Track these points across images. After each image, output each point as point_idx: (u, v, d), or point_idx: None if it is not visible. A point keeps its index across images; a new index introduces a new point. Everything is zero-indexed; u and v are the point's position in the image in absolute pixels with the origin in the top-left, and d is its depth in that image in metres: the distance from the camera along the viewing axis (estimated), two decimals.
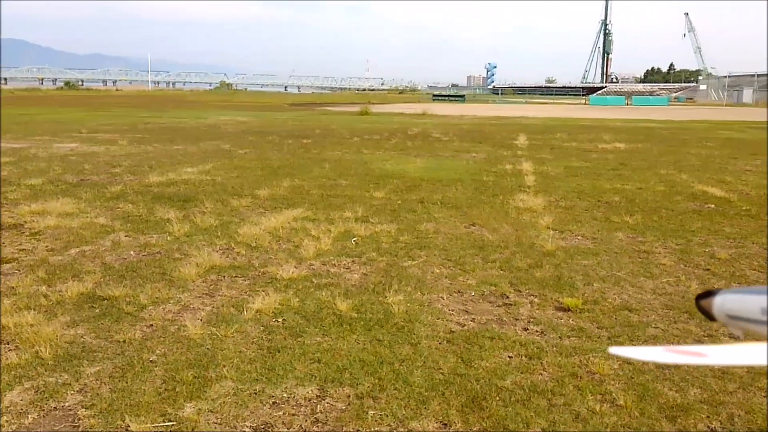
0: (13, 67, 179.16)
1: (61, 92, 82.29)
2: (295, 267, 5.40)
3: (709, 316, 0.49)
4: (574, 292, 4.85)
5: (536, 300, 4.73)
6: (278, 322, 4.17)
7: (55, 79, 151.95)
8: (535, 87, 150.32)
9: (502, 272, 5.41)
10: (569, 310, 4.48)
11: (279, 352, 3.69)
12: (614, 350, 0.40)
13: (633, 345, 3.91)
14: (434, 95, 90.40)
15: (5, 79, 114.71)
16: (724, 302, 0.47)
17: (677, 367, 3.56)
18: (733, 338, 1.10)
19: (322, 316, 4.28)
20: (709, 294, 0.48)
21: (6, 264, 5.44)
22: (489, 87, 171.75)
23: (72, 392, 3.22)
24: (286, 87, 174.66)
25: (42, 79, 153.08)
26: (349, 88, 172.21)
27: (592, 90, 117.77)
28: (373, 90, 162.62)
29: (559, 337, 4.01)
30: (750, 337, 0.44)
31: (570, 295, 4.75)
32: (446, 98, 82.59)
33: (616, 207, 8.42)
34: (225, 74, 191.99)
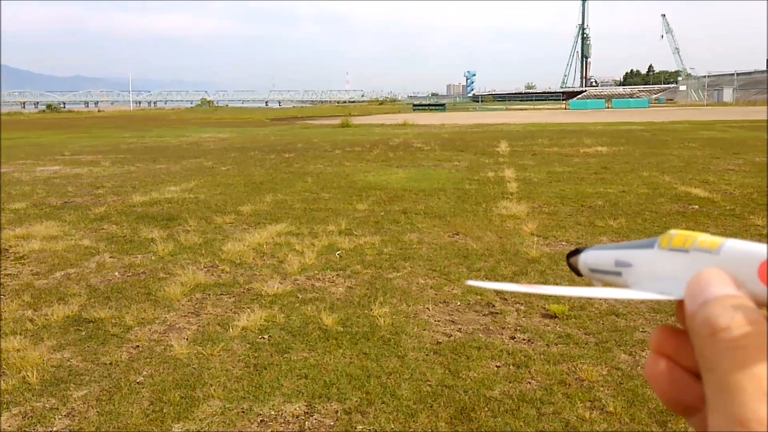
0: None
1: (43, 115, 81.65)
2: (279, 282, 5.43)
3: (577, 272, 0.57)
4: (559, 299, 4.92)
5: (522, 308, 4.78)
6: (264, 338, 4.20)
7: (37, 103, 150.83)
8: (515, 93, 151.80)
9: (487, 281, 5.46)
10: (556, 316, 4.54)
11: (266, 369, 3.72)
12: (471, 282, 0.47)
13: (620, 349, 3.98)
14: (414, 105, 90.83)
15: None
16: (586, 258, 0.55)
17: None
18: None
19: (308, 331, 4.32)
20: (577, 252, 0.57)
21: None
22: (469, 95, 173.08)
23: (59, 417, 3.23)
24: (266, 102, 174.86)
25: (24, 103, 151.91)
26: (330, 101, 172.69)
27: (572, 94, 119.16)
28: (353, 102, 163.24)
29: (547, 345, 4.06)
30: (607, 285, 0.53)
31: (556, 302, 4.81)
32: (427, 108, 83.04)
33: (600, 211, 8.53)
34: (206, 91, 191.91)
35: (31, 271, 6.02)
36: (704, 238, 0.43)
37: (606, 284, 0.53)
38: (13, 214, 8.92)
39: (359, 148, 19.90)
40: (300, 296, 5.11)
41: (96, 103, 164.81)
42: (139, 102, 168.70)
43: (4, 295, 5.25)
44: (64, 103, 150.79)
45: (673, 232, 0.46)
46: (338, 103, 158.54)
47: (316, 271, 5.82)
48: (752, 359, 0.34)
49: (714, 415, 0.34)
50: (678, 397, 0.40)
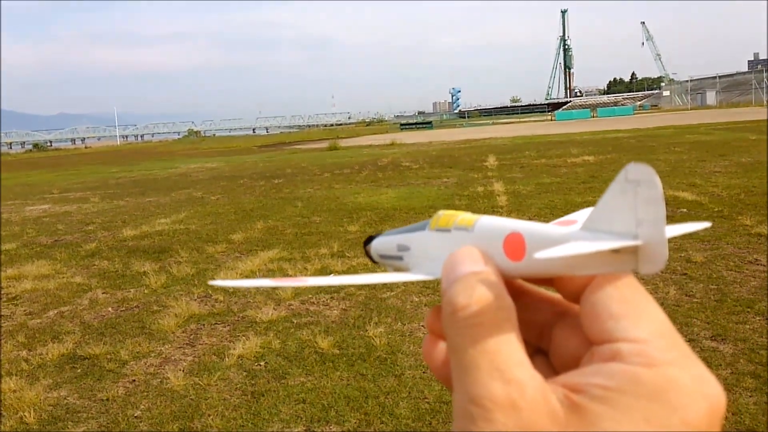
0: None
1: (29, 155, 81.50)
2: (274, 309, 5.44)
3: (372, 260, 0.58)
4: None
5: None
6: (261, 365, 4.21)
7: (23, 143, 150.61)
8: (500, 108, 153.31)
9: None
10: None
11: (263, 395, 3.72)
12: (214, 282, 0.48)
13: None
14: (402, 124, 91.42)
15: None
16: (376, 245, 0.56)
17: None
18: None
19: (304, 355, 4.33)
20: (370, 239, 0.58)
21: None
22: (455, 111, 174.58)
23: None
24: (254, 129, 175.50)
25: (10, 144, 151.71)
26: (317, 125, 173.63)
27: (557, 106, 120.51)
28: (340, 124, 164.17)
29: None
30: (395, 270, 0.54)
31: None
32: (414, 126, 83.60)
33: None
34: (192, 122, 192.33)
35: (25, 311, 6.00)
36: (464, 216, 0.45)
37: (395, 269, 0.54)
38: (4, 255, 8.88)
39: (348, 170, 20.01)
40: (295, 321, 5.12)
41: (83, 139, 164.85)
42: (126, 136, 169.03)
43: None
44: (51, 142, 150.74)
45: (440, 212, 0.47)
46: (325, 126, 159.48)
47: (309, 295, 5.83)
48: (487, 335, 0.34)
49: (455, 395, 0.34)
50: (448, 375, 0.38)
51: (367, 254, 0.59)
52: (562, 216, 0.51)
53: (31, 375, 4.31)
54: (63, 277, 7.24)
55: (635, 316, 0.34)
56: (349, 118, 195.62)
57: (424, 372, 3.93)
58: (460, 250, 0.40)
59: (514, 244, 0.40)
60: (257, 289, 6.22)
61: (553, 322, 0.41)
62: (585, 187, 11.98)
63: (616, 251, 0.35)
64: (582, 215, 0.50)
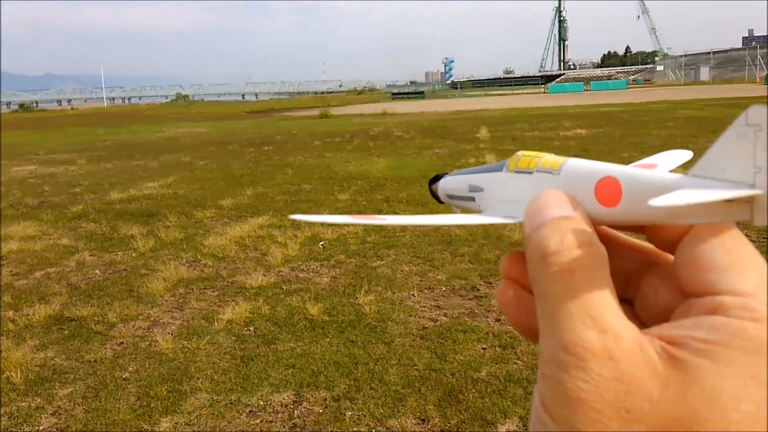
0: None
1: (15, 115, 79.91)
2: (263, 275, 5.42)
3: (438, 199, 0.56)
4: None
5: None
6: (250, 330, 4.20)
7: (9, 103, 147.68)
8: (493, 79, 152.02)
9: (471, 265, 5.51)
10: None
11: (252, 360, 3.72)
12: (294, 216, 0.45)
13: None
14: (393, 94, 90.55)
15: None
16: (444, 184, 0.54)
17: None
18: None
19: (294, 321, 4.32)
20: (437, 178, 0.56)
21: None
22: (447, 82, 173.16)
23: (46, 415, 3.20)
24: (243, 95, 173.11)
25: None
26: (308, 92, 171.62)
27: (550, 78, 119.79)
28: (331, 92, 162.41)
29: None
30: (464, 211, 0.52)
31: None
32: (405, 96, 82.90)
33: None
34: (180, 86, 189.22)
35: (11, 271, 5.93)
36: (548, 158, 0.42)
37: (464, 210, 0.52)
38: None
39: (339, 138, 19.84)
40: (284, 287, 5.10)
41: (69, 101, 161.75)
42: (113, 98, 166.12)
43: None
44: (37, 102, 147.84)
45: (520, 153, 0.45)
46: (316, 94, 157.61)
47: (299, 263, 5.81)
48: (579, 283, 0.33)
49: (543, 341, 0.34)
50: (525, 322, 0.39)
51: (433, 193, 0.56)
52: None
53: (18, 335, 4.27)
54: (50, 239, 7.15)
55: (740, 268, 0.32)
56: (340, 86, 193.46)
57: (413, 340, 3.95)
58: (545, 193, 0.38)
59: (609, 189, 0.37)
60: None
61: (640, 271, 0.39)
62: None
63: (729, 201, 0.32)
64: (662, 158, 0.46)
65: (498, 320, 4.24)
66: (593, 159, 0.42)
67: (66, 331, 4.32)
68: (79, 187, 11.32)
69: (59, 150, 20.00)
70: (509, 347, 3.78)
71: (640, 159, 0.64)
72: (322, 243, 6.48)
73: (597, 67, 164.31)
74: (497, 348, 3.79)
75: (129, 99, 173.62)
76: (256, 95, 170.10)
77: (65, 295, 5.11)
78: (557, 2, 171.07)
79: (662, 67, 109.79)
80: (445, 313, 4.41)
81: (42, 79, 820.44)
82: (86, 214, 8.63)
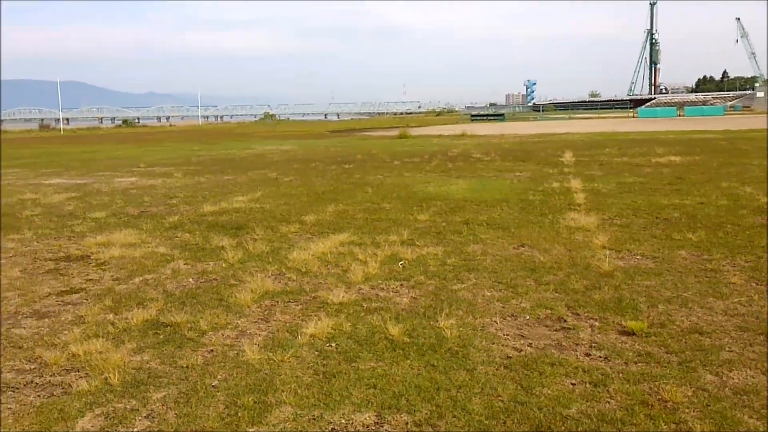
0: (74, 108, 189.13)
1: (119, 130, 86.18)
2: (344, 291, 5.49)
3: None
4: (637, 315, 4.71)
5: (597, 324, 4.61)
6: (332, 346, 4.25)
7: (113, 118, 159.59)
8: (578, 102, 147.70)
9: (557, 295, 5.33)
10: (634, 334, 4.34)
11: (335, 377, 3.75)
12: None
13: (706, 369, 3.75)
14: (472, 115, 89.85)
15: (67, 119, 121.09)
16: None
17: (756, 392, 3.41)
18: None
19: (375, 340, 4.34)
20: None
21: (74, 294, 5.75)
22: (529, 104, 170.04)
23: (140, 418, 3.36)
24: (326, 115, 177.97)
25: (101, 118, 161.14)
26: (387, 113, 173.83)
27: (640, 102, 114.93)
28: (410, 113, 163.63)
29: (625, 363, 3.89)
30: None
31: (634, 318, 4.61)
32: (485, 118, 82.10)
33: (677, 223, 8.14)
34: (268, 105, 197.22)
35: (112, 276, 6.34)
36: None
37: None
38: (94, 223, 9.43)
39: (418, 158, 19.93)
40: (365, 305, 5.14)
41: (167, 117, 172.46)
42: (207, 116, 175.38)
43: (87, 300, 5.54)
44: (139, 118, 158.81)
45: None
46: (395, 114, 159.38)
47: (379, 281, 5.85)
48: None
49: None
50: None
51: None
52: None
53: (117, 338, 4.53)
54: (148, 247, 7.60)
55: None
56: (419, 107, 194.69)
57: (497, 369, 3.85)
58: None
59: None
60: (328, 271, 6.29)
61: None
62: (671, 188, 11.36)
63: None
64: None
65: (588, 355, 4.05)
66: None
67: (161, 336, 4.55)
68: (176, 198, 11.99)
69: (158, 163, 21.33)
70: (601, 385, 3.59)
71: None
72: (401, 262, 6.50)
73: (691, 92, 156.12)
74: (587, 384, 3.61)
75: (221, 117, 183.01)
76: (338, 115, 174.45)
77: (161, 301, 5.39)
78: (649, 25, 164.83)
79: (763, 93, 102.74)
80: (530, 344, 4.27)
81: (144, 97, 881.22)
82: (181, 224, 9.13)
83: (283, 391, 3.58)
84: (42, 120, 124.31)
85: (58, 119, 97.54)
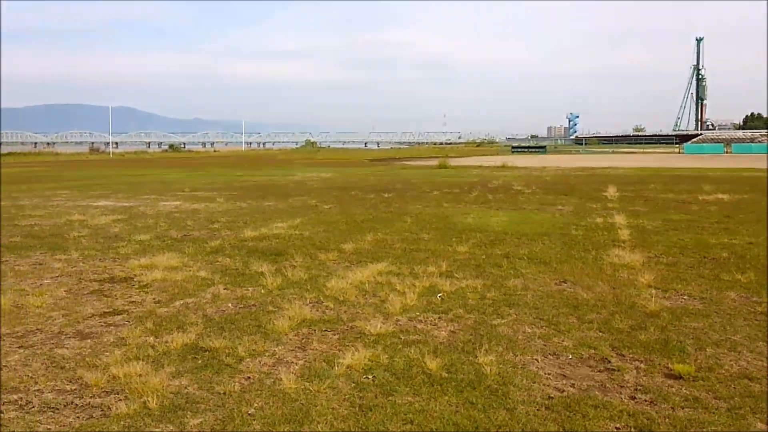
0: (123, 133, 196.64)
1: (165, 154, 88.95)
2: (382, 322, 5.43)
3: None
4: (685, 358, 4.53)
5: (642, 366, 4.45)
6: (369, 378, 4.19)
7: (160, 143, 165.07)
8: (622, 136, 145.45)
9: (601, 334, 5.16)
10: (681, 377, 4.17)
11: (371, 410, 3.69)
12: None
13: (756, 416, 3.57)
14: (513, 147, 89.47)
15: (116, 143, 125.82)
16: None
17: None
18: None
19: (412, 374, 4.26)
20: None
21: (117, 315, 5.85)
22: (571, 137, 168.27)
23: None
24: (366, 143, 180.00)
25: (149, 143, 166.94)
26: (427, 143, 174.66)
27: (685, 138, 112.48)
28: (450, 143, 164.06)
29: (672, 408, 3.72)
30: None
31: (681, 361, 4.43)
32: (526, 150, 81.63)
33: (725, 264, 7.86)
34: (310, 133, 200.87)
35: (154, 299, 6.44)
36: None
37: None
38: (139, 245, 9.65)
39: (458, 189, 19.86)
40: (402, 337, 5.07)
41: (212, 143, 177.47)
42: (250, 143, 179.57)
43: (129, 322, 5.63)
44: (185, 144, 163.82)
45: None
46: (435, 144, 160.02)
47: (417, 313, 5.78)
48: None
49: None
50: None
51: None
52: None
53: (156, 361, 4.57)
54: (189, 270, 7.72)
55: None
56: (459, 137, 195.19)
57: (538, 409, 3.72)
58: None
59: None
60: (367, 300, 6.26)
61: None
62: (719, 227, 10.99)
63: None
64: None
65: (633, 398, 3.89)
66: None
67: (200, 361, 4.56)
68: (217, 223, 12.21)
69: (202, 188, 21.84)
70: (646, 430, 3.44)
71: None
72: (440, 295, 6.42)
73: (738, 129, 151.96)
74: (632, 429, 3.45)
75: (264, 144, 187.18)
76: (378, 144, 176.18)
77: (201, 325, 5.43)
78: (695, 60, 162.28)
79: None
80: (573, 384, 4.13)
81: (191, 123, 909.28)
82: (222, 249, 9.26)
83: (318, 422, 3.53)
84: (92, 143, 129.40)
85: (108, 143, 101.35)
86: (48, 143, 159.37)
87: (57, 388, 4.13)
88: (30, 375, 4.33)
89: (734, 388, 4.01)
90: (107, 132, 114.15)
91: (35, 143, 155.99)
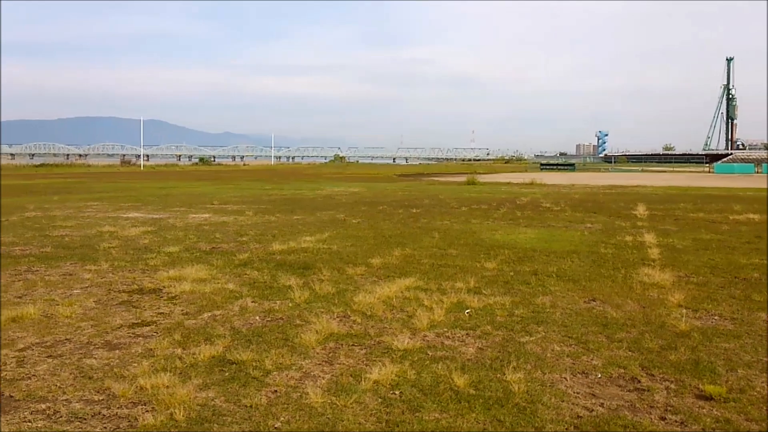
0: (154, 145, 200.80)
1: (195, 167, 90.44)
2: (409, 338, 5.41)
3: None
4: (716, 379, 4.42)
5: (672, 386, 4.35)
6: (395, 394, 4.16)
7: (190, 156, 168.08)
8: (651, 155, 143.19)
9: (630, 353, 5.06)
10: (712, 398, 4.08)
11: (398, 426, 3.66)
12: None
13: None
14: (542, 164, 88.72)
15: (147, 156, 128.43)
16: None
17: None
18: None
19: (440, 390, 4.22)
20: None
21: (145, 326, 5.92)
22: (600, 155, 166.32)
23: None
24: (394, 158, 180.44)
25: (179, 156, 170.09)
26: (455, 159, 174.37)
27: (716, 157, 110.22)
28: (478, 160, 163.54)
29: (703, 430, 3.65)
30: None
31: (711, 382, 4.33)
32: (555, 167, 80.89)
33: (757, 284, 7.68)
34: (338, 148, 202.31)
35: (182, 311, 6.51)
36: None
37: None
38: (168, 257, 9.79)
39: (486, 205, 19.76)
40: (430, 353, 5.04)
41: (242, 157, 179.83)
42: (279, 157, 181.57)
43: (157, 333, 5.69)
44: (214, 157, 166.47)
45: None
46: (464, 160, 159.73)
47: (445, 329, 5.74)
48: None
49: None
50: None
51: None
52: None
53: (184, 373, 4.60)
54: (218, 283, 7.80)
55: None
56: (487, 154, 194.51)
57: (566, 428, 3.65)
58: None
59: None
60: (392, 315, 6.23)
61: None
62: (750, 247, 10.72)
63: None
64: None
65: (663, 419, 3.80)
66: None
67: (227, 374, 4.59)
68: (246, 236, 12.34)
69: (231, 201, 22.12)
70: None
71: None
72: (468, 311, 6.37)
73: None
74: None
75: (293, 158, 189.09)
76: (407, 159, 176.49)
77: (228, 338, 5.47)
78: (726, 79, 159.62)
79: None
80: (602, 404, 4.05)
81: (221, 137, 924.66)
82: (251, 262, 9.35)
83: None
84: (123, 156, 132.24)
85: (139, 155, 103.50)
86: (80, 155, 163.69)
87: (84, 398, 4.16)
88: (58, 385, 4.38)
89: (766, 410, 3.90)
90: (139, 145, 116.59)
91: (67, 155, 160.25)
